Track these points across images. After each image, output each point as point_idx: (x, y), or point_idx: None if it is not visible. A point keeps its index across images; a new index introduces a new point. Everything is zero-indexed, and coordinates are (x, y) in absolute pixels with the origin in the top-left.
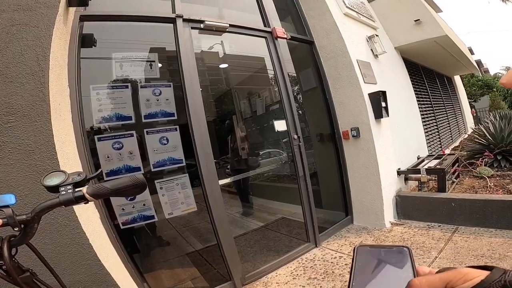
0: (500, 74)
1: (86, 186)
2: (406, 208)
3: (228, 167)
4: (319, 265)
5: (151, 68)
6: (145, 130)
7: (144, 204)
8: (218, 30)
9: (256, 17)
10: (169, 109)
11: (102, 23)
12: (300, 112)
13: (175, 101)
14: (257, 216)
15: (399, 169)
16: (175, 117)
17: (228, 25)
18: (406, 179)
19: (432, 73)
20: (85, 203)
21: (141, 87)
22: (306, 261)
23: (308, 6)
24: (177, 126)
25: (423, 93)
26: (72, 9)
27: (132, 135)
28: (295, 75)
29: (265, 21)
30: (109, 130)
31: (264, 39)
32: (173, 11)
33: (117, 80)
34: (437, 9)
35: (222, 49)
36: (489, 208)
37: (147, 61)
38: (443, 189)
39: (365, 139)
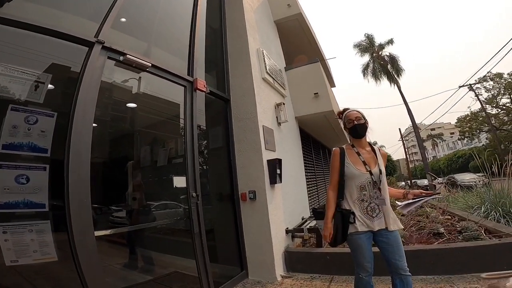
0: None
1: None
2: (293, 262)
3: (114, 215)
4: None
5: (35, 89)
6: None
7: None
8: (137, 67)
9: (183, 62)
10: (41, 143)
11: (6, 28)
12: (204, 167)
13: (54, 135)
14: (145, 269)
15: (287, 228)
16: (47, 154)
17: (150, 64)
18: (293, 237)
19: (318, 144)
20: None
21: (12, 109)
22: None
23: (235, 64)
24: (47, 166)
25: (309, 163)
26: None
27: None
28: (205, 130)
29: (190, 69)
30: None
31: (183, 88)
32: (96, 35)
33: None
34: (332, 84)
35: (138, 86)
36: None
37: (33, 80)
38: (320, 245)
39: (260, 202)
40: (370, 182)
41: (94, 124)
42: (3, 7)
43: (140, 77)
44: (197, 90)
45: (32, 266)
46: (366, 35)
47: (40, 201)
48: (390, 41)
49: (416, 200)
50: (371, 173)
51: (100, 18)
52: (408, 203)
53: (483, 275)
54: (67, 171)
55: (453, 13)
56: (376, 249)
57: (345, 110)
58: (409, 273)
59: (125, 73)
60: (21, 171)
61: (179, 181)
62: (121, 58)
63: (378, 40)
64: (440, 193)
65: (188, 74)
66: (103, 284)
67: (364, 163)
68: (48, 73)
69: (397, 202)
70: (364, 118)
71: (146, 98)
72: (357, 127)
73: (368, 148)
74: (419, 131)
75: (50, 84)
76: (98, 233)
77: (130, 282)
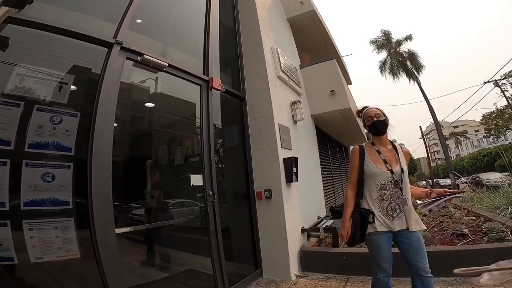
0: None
1: None
2: (308, 261)
3: (133, 212)
4: None
5: (59, 90)
6: (24, 161)
7: (0, 244)
8: (154, 67)
9: (198, 62)
10: (65, 142)
11: (30, 30)
12: (220, 166)
13: (77, 134)
14: (161, 266)
15: (303, 227)
16: (72, 153)
17: (167, 64)
18: (308, 236)
19: (334, 142)
20: None
21: (37, 109)
22: None
23: (249, 63)
24: (71, 164)
25: (325, 161)
26: (4, 8)
27: (4, 164)
28: (221, 129)
29: (205, 69)
30: None
31: (199, 87)
32: (115, 35)
33: (9, 96)
34: (349, 82)
35: (155, 86)
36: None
37: (57, 81)
38: (336, 244)
39: (276, 201)
40: (391, 181)
41: (114, 124)
42: (24, 9)
43: (157, 77)
44: (212, 89)
45: (55, 262)
46: (383, 31)
47: (64, 199)
48: (409, 37)
49: (438, 198)
50: (392, 172)
51: (117, 20)
52: (430, 202)
53: (456, 270)
54: (90, 169)
55: (457, 10)
56: (394, 249)
57: (364, 108)
58: (431, 275)
59: (142, 73)
60: (47, 170)
61: (196, 180)
62: (139, 58)
63: (394, 36)
64: (464, 191)
65: (204, 73)
66: (121, 281)
67: (385, 162)
68: (70, 74)
69: (417, 201)
70: (384, 115)
71: (163, 98)
72: (376, 124)
73: (390, 146)
74: (442, 128)
75: (73, 85)
76: (117, 230)
77: (147, 279)
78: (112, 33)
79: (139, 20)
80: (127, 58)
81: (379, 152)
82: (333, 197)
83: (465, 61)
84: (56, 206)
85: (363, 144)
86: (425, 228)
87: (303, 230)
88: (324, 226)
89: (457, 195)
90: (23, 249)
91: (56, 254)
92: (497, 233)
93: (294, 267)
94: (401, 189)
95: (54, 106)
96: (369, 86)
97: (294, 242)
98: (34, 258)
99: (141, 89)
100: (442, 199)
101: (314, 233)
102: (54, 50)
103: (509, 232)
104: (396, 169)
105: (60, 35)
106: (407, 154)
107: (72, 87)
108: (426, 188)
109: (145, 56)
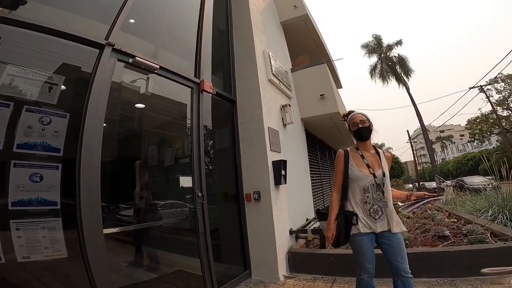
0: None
1: None
2: (296, 262)
3: (121, 213)
4: None
5: (49, 91)
6: (12, 162)
7: None
8: (145, 69)
9: (190, 64)
10: (54, 143)
11: (21, 30)
12: (210, 167)
13: (66, 135)
14: (150, 267)
15: (291, 229)
16: (60, 154)
17: (158, 66)
18: (296, 238)
19: (324, 146)
20: None
21: (27, 110)
22: None
23: (241, 66)
24: (60, 164)
25: (315, 164)
26: None
27: None
28: (211, 131)
29: (197, 71)
30: None
31: (190, 89)
32: (107, 37)
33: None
34: (339, 85)
35: (146, 87)
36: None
37: (47, 82)
38: (324, 246)
39: (265, 203)
40: (373, 185)
41: (104, 124)
42: (17, 9)
43: (148, 77)
44: (203, 92)
45: (41, 262)
46: (374, 35)
47: (52, 199)
48: (399, 42)
49: (418, 201)
50: (374, 176)
51: (110, 21)
52: (410, 204)
53: (485, 270)
54: (79, 170)
55: (449, 11)
56: (378, 251)
57: (350, 112)
58: (411, 275)
59: (133, 74)
60: (35, 170)
61: (185, 181)
62: (130, 60)
63: (385, 39)
64: (442, 195)
65: (195, 76)
66: (109, 281)
67: (368, 166)
68: (61, 75)
69: (399, 203)
70: (369, 121)
71: (153, 99)
72: (361, 130)
73: (373, 151)
74: (428, 133)
75: (63, 86)
76: (106, 231)
77: (135, 280)
78: (104, 34)
79: (132, 20)
80: (119, 60)
81: (362, 157)
82: (322, 198)
83: (458, 63)
84: (43, 206)
85: (348, 149)
86: (406, 229)
87: (291, 232)
88: (312, 227)
89: (435, 198)
90: (10, 248)
91: (44, 254)
92: (476, 235)
93: (282, 268)
94: (382, 192)
95: (43, 106)
96: (363, 88)
97: (283, 243)
98: (20, 257)
99: (132, 90)
100: (421, 201)
101: (302, 235)
102: (45, 50)
103: (488, 234)
104: (378, 173)
105: (51, 36)
106: (389, 159)
107: (62, 87)
108: (412, 191)
109: (136, 58)
